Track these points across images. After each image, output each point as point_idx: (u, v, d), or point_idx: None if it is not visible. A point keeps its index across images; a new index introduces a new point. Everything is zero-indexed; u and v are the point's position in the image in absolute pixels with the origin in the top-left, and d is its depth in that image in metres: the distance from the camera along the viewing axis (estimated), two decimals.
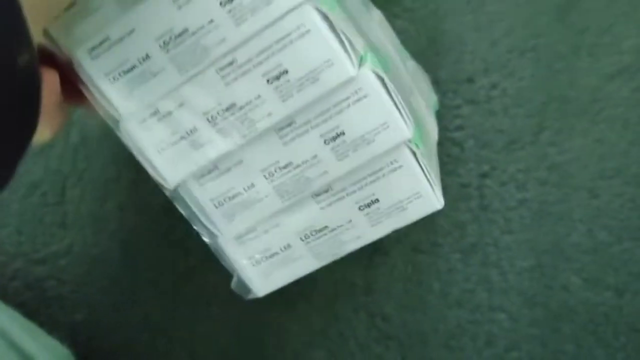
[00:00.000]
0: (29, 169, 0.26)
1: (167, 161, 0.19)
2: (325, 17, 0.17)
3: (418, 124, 0.20)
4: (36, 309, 0.26)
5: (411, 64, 0.24)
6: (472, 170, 0.26)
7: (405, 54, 0.25)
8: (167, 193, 0.20)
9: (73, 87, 0.18)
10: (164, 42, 0.18)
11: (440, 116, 0.26)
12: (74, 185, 0.26)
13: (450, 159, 0.26)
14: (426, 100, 0.24)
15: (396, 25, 0.27)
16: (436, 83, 0.26)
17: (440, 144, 0.27)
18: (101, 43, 0.18)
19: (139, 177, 0.26)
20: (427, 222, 0.26)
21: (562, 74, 0.26)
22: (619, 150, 0.26)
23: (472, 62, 0.26)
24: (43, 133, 0.17)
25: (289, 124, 0.19)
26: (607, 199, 0.26)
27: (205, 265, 0.26)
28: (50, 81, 0.17)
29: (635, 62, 0.26)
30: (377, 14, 0.24)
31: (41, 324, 0.26)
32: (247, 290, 0.21)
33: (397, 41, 0.24)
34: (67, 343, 0.26)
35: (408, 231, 0.26)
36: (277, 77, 0.18)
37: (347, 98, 0.18)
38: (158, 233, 0.26)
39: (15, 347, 0.20)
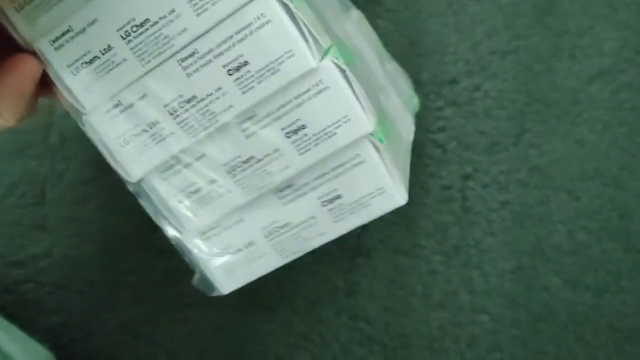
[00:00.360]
0: (6, 170, 0.26)
1: (130, 155, 0.19)
2: (287, 9, 0.17)
3: (384, 120, 0.20)
4: (15, 311, 0.26)
5: (392, 65, 0.24)
6: (454, 172, 0.26)
7: (386, 55, 0.25)
8: (131, 188, 0.19)
9: (43, 78, 0.18)
10: (125, 33, 0.18)
11: (422, 118, 0.27)
12: (53, 187, 0.26)
13: (432, 161, 0.26)
14: (405, 101, 0.24)
15: (379, 26, 0.27)
16: (419, 85, 0.27)
17: (422, 145, 0.27)
18: (64, 34, 0.18)
19: (119, 178, 0.26)
20: (410, 224, 0.26)
21: (544, 76, 0.27)
22: (599, 152, 0.26)
23: (455, 64, 0.26)
24: (7, 118, 0.17)
25: (251, 117, 0.19)
26: (587, 200, 0.26)
27: (185, 268, 0.26)
28: (29, 68, 0.17)
29: (615, 64, 0.27)
30: (356, 14, 0.24)
31: (20, 327, 0.26)
32: (211, 287, 0.21)
33: (377, 42, 0.24)
34: (47, 346, 0.26)
35: (390, 233, 0.26)
36: (238, 69, 0.18)
37: (308, 90, 0.18)
38: (139, 235, 0.26)
39: None
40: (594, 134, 0.27)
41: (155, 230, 0.26)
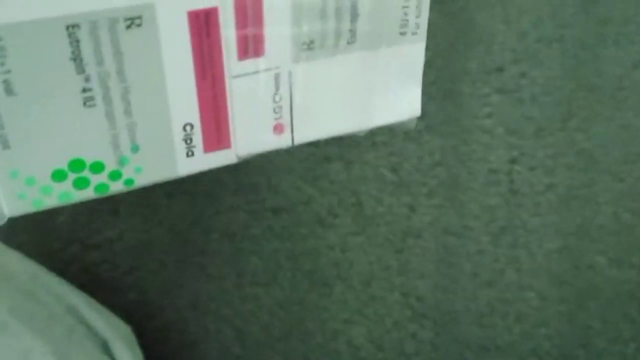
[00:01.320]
0: None
1: None
2: None
3: None
4: (92, 290, 0.28)
5: None
6: (501, 156, 0.28)
7: None
8: None
9: None
10: None
11: (469, 105, 0.28)
12: None
13: (479, 146, 0.28)
14: None
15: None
16: (466, 73, 0.28)
17: (469, 131, 0.28)
18: None
19: None
20: (458, 206, 0.28)
21: (589, 62, 0.27)
22: None
23: (501, 53, 0.28)
24: None
25: None
26: (631, 182, 0.27)
27: (249, 248, 0.28)
28: None
29: None
30: None
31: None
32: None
33: None
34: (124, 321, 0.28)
35: (439, 215, 0.28)
36: None
37: None
38: (203, 219, 0.28)
39: (83, 322, 0.22)
40: (638, 118, 0.27)
41: (219, 214, 0.28)
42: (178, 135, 0.17)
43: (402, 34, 0.19)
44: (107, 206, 0.28)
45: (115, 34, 0.15)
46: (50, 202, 0.16)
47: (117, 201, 0.28)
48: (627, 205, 0.27)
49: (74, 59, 0.15)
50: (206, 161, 0.17)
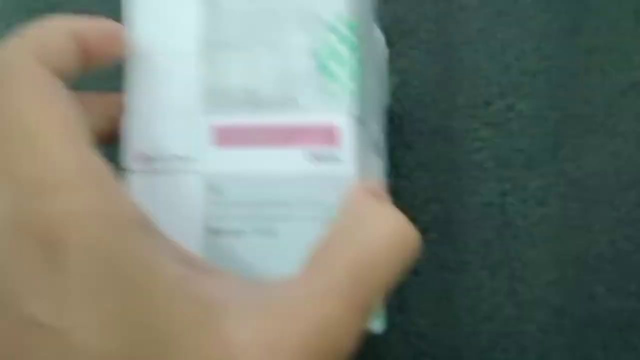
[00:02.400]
0: None
1: None
2: None
3: None
4: None
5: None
6: (493, 189, 0.28)
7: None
8: None
9: None
10: None
11: (459, 140, 0.28)
12: None
13: (471, 180, 0.28)
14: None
15: (412, 56, 0.28)
16: (454, 109, 0.28)
17: (460, 166, 0.28)
18: None
19: None
20: (453, 241, 0.28)
21: (576, 92, 0.28)
22: (635, 162, 0.27)
23: (488, 87, 0.28)
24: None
25: None
26: (626, 209, 0.27)
27: None
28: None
29: None
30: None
31: None
32: None
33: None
34: None
35: (436, 250, 0.28)
36: None
37: None
38: None
39: None
40: (629, 144, 0.27)
41: None
42: None
43: None
44: None
45: None
46: None
47: None
48: (623, 233, 0.27)
49: None
50: None
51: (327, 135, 0.18)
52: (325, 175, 0.18)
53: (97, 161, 0.15)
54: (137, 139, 0.18)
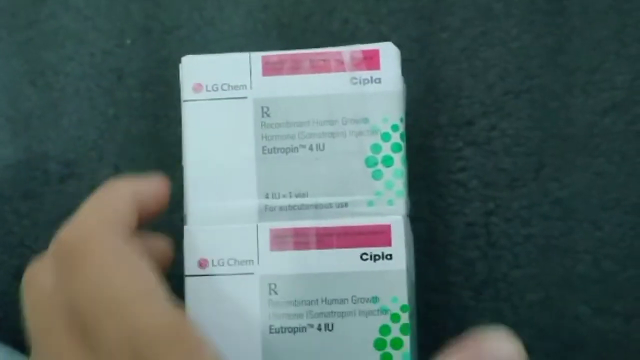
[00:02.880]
0: (57, 233, 0.28)
1: None
2: None
3: None
4: None
5: None
6: (477, 209, 0.28)
7: None
8: None
9: None
10: None
11: (442, 159, 0.28)
12: None
13: (455, 200, 0.28)
14: None
15: None
16: (437, 128, 0.28)
17: (444, 185, 0.28)
18: None
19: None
20: (437, 262, 0.27)
21: (558, 112, 0.28)
22: (618, 182, 0.27)
23: (470, 106, 0.28)
24: None
25: None
26: (610, 229, 0.27)
27: None
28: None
29: (628, 96, 0.27)
30: None
31: None
32: None
33: None
34: None
35: (420, 271, 0.27)
36: None
37: None
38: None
39: None
40: (612, 164, 0.27)
41: None
42: None
43: None
44: None
45: None
46: None
47: None
48: (607, 253, 0.27)
49: None
50: None
51: (381, 236, 0.20)
52: (377, 271, 0.19)
53: (183, 320, 0.16)
54: (196, 245, 0.20)
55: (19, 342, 0.28)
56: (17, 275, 0.28)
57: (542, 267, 0.27)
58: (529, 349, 0.27)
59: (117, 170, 0.28)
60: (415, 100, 0.28)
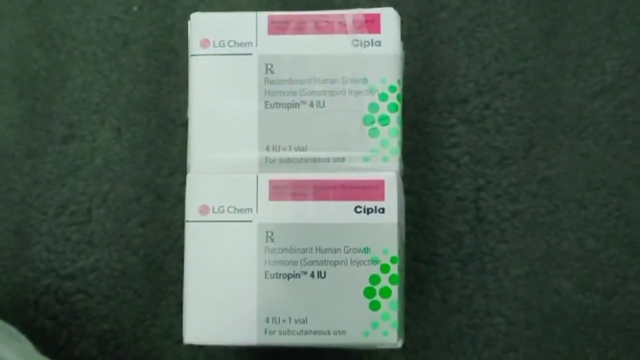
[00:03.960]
0: (58, 191, 0.29)
1: None
2: None
3: None
4: (66, 320, 0.28)
5: None
6: (468, 184, 0.28)
7: None
8: None
9: None
10: None
11: (436, 135, 0.29)
12: (99, 206, 0.29)
13: (447, 175, 0.29)
14: None
15: None
16: (432, 104, 0.29)
17: (437, 160, 0.29)
18: None
19: (159, 197, 0.28)
20: (426, 234, 0.28)
21: (549, 93, 0.29)
22: (605, 164, 0.28)
23: (465, 85, 0.29)
24: None
25: None
26: (594, 209, 0.28)
27: None
28: None
29: (617, 81, 0.28)
30: None
31: (71, 334, 0.28)
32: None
33: None
34: (95, 351, 0.28)
35: (409, 243, 0.28)
36: None
37: None
38: (178, 247, 0.28)
39: None
40: (599, 146, 0.28)
41: None
42: None
43: None
44: (81, 236, 0.29)
45: None
46: None
47: (92, 231, 0.29)
48: (590, 232, 0.28)
49: None
50: None
51: (374, 190, 0.21)
52: (370, 224, 0.21)
53: None
54: (198, 192, 0.21)
55: (18, 297, 0.28)
56: (17, 231, 0.29)
57: (527, 243, 0.28)
58: (511, 320, 0.28)
59: (119, 133, 0.29)
60: (411, 77, 0.29)
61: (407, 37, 0.29)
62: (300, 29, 0.21)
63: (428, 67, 0.29)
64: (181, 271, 0.28)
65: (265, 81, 0.21)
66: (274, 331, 0.20)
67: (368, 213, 0.20)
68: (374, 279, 0.21)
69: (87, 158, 0.29)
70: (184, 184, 0.28)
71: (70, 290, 0.28)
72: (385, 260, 0.21)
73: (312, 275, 0.20)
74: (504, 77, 0.28)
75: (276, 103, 0.21)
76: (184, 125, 0.29)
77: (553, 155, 0.28)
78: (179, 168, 0.29)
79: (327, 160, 0.21)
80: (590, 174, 0.28)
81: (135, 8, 0.29)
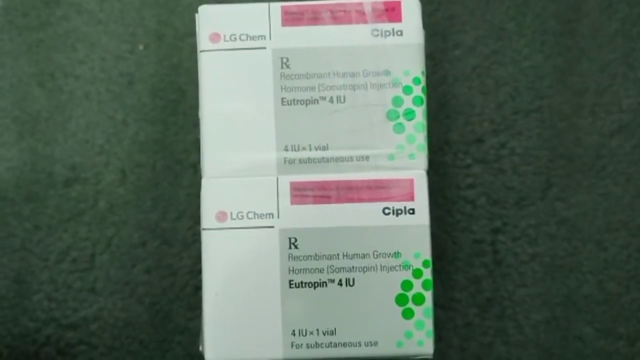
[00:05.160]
0: (59, 237, 0.27)
1: None
2: None
3: None
4: None
5: None
6: (484, 226, 0.28)
7: None
8: None
9: None
10: None
11: (452, 175, 0.28)
12: (102, 252, 0.27)
13: (463, 216, 0.28)
14: None
15: None
16: (447, 144, 0.28)
17: (453, 202, 0.28)
18: None
19: (165, 242, 0.27)
20: (444, 278, 0.27)
21: (566, 132, 0.28)
22: (624, 204, 0.28)
23: (480, 124, 0.28)
24: None
25: None
26: (615, 250, 0.27)
27: None
28: None
29: (634, 119, 0.28)
30: None
31: None
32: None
33: None
34: None
35: None
36: None
37: None
38: (185, 295, 0.27)
39: None
40: (618, 186, 0.28)
41: (198, 291, 0.27)
42: None
43: None
44: (84, 283, 0.27)
45: None
46: None
47: (95, 278, 0.27)
48: (611, 274, 0.27)
49: None
50: None
51: (403, 190, 0.19)
52: (400, 226, 0.19)
53: None
54: (215, 198, 0.19)
55: (18, 348, 0.27)
56: (17, 279, 0.27)
57: (547, 286, 0.27)
58: None
59: (124, 175, 0.28)
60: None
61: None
62: (316, 19, 0.19)
63: (443, 105, 0.28)
64: (189, 319, 0.27)
65: (281, 76, 0.20)
66: (301, 345, 0.19)
67: (397, 215, 0.19)
68: (406, 285, 0.19)
69: (90, 202, 0.28)
70: (191, 228, 0.27)
71: (73, 341, 0.27)
72: (417, 264, 0.19)
73: (340, 283, 0.19)
74: (520, 115, 0.28)
75: (293, 100, 0.19)
76: (192, 166, 0.28)
77: (571, 196, 0.28)
78: (186, 212, 0.28)
79: (350, 159, 0.19)
80: (610, 215, 0.28)
81: (141, 47, 0.28)
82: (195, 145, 0.28)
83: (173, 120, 0.28)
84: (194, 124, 0.28)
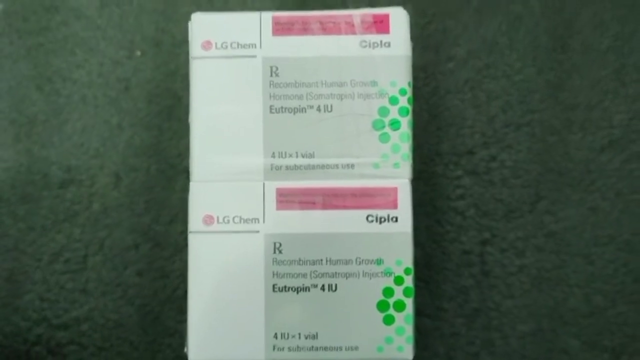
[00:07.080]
0: (52, 238, 0.28)
1: None
2: None
3: None
4: None
5: None
6: (473, 237, 0.28)
7: None
8: None
9: None
10: None
11: (442, 186, 0.28)
12: (95, 253, 0.28)
13: (452, 227, 0.28)
14: None
15: None
16: (438, 155, 0.28)
17: (442, 212, 0.28)
18: None
19: (157, 245, 0.28)
20: (432, 288, 0.28)
21: (556, 147, 0.28)
22: (612, 219, 0.28)
23: (472, 136, 0.28)
24: None
25: None
26: (602, 264, 0.28)
27: None
28: None
29: (624, 135, 0.28)
30: None
31: None
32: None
33: None
34: None
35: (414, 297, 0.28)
36: None
37: None
38: (176, 297, 0.27)
39: None
40: (606, 201, 0.28)
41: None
42: None
43: None
44: (75, 284, 0.28)
45: None
46: None
47: (87, 279, 0.28)
48: (598, 288, 0.28)
49: None
50: None
51: (387, 198, 0.20)
52: (383, 233, 0.19)
53: None
54: (202, 201, 0.20)
55: (9, 347, 0.27)
56: (9, 278, 0.28)
57: (534, 298, 0.28)
58: None
59: (118, 178, 0.28)
60: (417, 127, 0.28)
61: (414, 87, 0.28)
62: (306, 29, 0.20)
63: (434, 117, 0.28)
64: (179, 322, 0.27)
65: (270, 84, 0.20)
66: (283, 347, 0.19)
67: (380, 222, 0.19)
68: (388, 292, 0.20)
69: (85, 204, 0.28)
70: (183, 232, 0.28)
71: (63, 341, 0.27)
72: (399, 271, 0.20)
73: (323, 288, 0.19)
74: (511, 129, 0.28)
75: (282, 107, 0.20)
76: (185, 171, 0.28)
77: (560, 209, 0.28)
78: (178, 216, 0.28)
79: (336, 167, 0.20)
80: (598, 229, 0.28)
81: (138, 53, 0.29)
82: (189, 151, 0.28)
83: (168, 126, 0.28)
84: (189, 130, 0.28)
